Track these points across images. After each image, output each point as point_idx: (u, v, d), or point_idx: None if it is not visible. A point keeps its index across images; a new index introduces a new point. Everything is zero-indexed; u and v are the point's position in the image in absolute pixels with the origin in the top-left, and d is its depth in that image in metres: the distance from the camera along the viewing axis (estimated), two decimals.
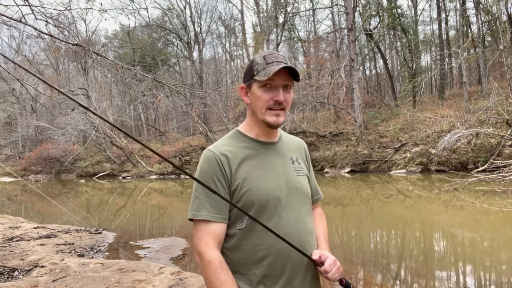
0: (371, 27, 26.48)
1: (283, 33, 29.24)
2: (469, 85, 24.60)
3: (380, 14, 25.09)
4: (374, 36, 26.18)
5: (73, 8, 5.44)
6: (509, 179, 10.59)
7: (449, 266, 5.35)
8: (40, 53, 36.50)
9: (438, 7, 26.30)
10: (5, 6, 4.59)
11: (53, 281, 4.37)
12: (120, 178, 25.92)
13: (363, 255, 6.09)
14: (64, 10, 5.13)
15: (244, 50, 35.84)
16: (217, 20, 38.33)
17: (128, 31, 35.11)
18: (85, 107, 1.14)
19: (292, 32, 30.15)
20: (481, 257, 5.65)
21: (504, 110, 14.30)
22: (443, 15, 26.41)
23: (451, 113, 19.23)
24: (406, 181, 14.49)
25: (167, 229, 9.10)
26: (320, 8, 30.94)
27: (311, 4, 30.84)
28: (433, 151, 15.97)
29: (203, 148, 23.29)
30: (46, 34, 5.15)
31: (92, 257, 6.05)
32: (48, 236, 7.30)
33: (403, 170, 16.81)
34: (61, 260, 5.34)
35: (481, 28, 24.89)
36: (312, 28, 35.76)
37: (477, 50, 23.89)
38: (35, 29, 4.89)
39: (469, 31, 25.47)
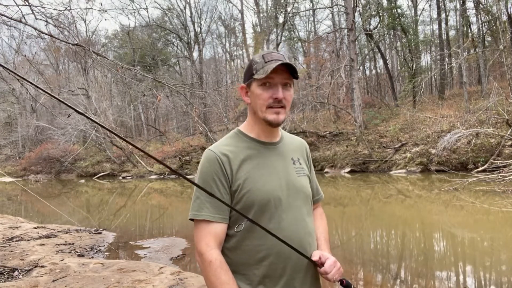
0: (371, 27, 26.48)
1: (283, 33, 29.25)
2: (469, 85, 24.60)
3: (380, 14, 25.09)
4: (374, 36, 26.18)
5: (73, 8, 5.45)
6: (509, 179, 10.59)
7: (449, 266, 5.35)
8: (40, 53, 36.54)
9: (438, 7, 26.30)
10: (5, 6, 4.60)
11: (53, 281, 4.37)
12: (120, 178, 25.91)
13: (363, 255, 6.09)
14: (64, 10, 5.13)
15: (244, 50, 35.84)
16: (217, 20, 38.38)
17: (128, 31, 35.10)
18: (80, 112, 1.13)
19: (292, 32, 30.16)
20: (481, 257, 5.65)
21: (504, 110, 14.30)
22: (443, 15, 26.43)
23: (451, 113, 19.23)
24: (406, 181, 14.49)
25: (167, 229, 9.10)
26: (320, 8, 30.96)
27: (311, 4, 30.86)
28: (433, 151, 15.97)
29: (203, 148, 23.33)
30: (46, 34, 5.16)
31: (92, 257, 6.05)
32: (48, 236, 7.30)
33: (403, 170, 16.81)
34: (61, 260, 5.34)
35: (481, 28, 24.90)
36: (312, 28, 35.80)
37: (477, 50, 23.89)
38: (35, 29, 4.89)
39: (469, 31, 25.47)
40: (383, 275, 5.13)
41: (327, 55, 30.51)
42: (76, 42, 5.38)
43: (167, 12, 35.42)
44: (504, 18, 19.27)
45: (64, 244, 6.76)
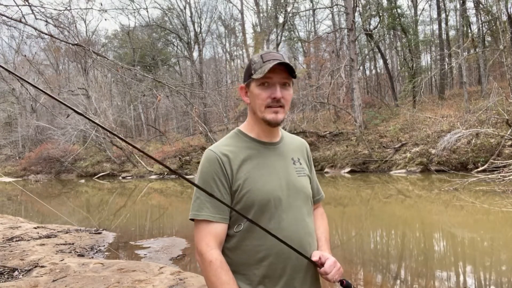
0: (371, 27, 26.48)
1: (283, 33, 29.24)
2: (469, 85, 24.60)
3: (380, 14, 25.09)
4: (374, 36, 26.18)
5: (73, 8, 5.45)
6: (509, 179, 10.59)
7: (449, 266, 5.35)
8: (40, 53, 36.54)
9: (438, 7, 26.31)
10: (5, 6, 4.60)
11: (53, 281, 4.37)
12: (120, 178, 25.92)
13: (363, 255, 6.09)
14: (64, 10, 5.13)
15: (244, 50, 35.85)
16: (217, 20, 38.38)
17: (128, 31, 35.11)
18: (79, 113, 1.13)
19: (292, 32, 30.15)
20: (481, 257, 5.65)
21: (504, 110, 14.30)
22: (443, 15, 26.43)
23: (451, 113, 19.23)
24: (406, 181, 14.49)
25: (167, 229, 9.10)
26: (320, 8, 30.97)
27: (311, 4, 30.86)
28: (433, 151, 15.97)
29: (203, 148, 23.33)
30: (46, 34, 5.16)
31: (92, 257, 6.05)
32: (48, 236, 7.30)
33: (403, 170, 16.81)
34: (61, 260, 5.34)
35: (481, 28, 24.90)
36: (312, 28, 35.80)
37: (477, 50, 23.89)
38: (35, 29, 4.89)
39: (469, 31, 25.47)
40: (383, 275, 5.13)
41: (327, 55, 30.52)
42: (76, 42, 5.38)
43: (167, 12, 35.45)
44: (504, 18, 19.27)
45: (64, 244, 6.76)
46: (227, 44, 40.88)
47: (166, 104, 35.17)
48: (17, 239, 7.04)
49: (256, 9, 31.84)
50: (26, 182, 26.46)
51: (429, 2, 29.71)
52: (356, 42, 23.51)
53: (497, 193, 9.86)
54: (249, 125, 1.43)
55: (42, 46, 32.73)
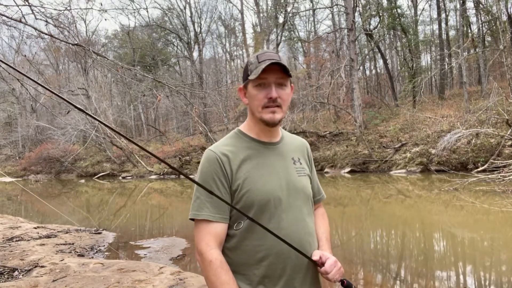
0: (371, 27, 26.48)
1: (283, 33, 29.24)
2: (469, 85, 24.60)
3: (380, 14, 25.09)
4: (374, 36, 26.18)
5: (73, 8, 5.45)
6: (509, 179, 10.59)
7: (449, 266, 5.35)
8: (40, 53, 36.55)
9: (438, 7, 26.31)
10: (5, 6, 4.60)
11: (53, 281, 4.37)
12: (120, 178, 25.92)
13: (363, 255, 6.09)
14: (64, 10, 5.13)
15: (244, 50, 35.85)
16: (217, 20, 38.39)
17: (128, 31, 35.11)
18: (80, 109, 1.13)
19: (292, 32, 30.15)
20: (481, 257, 5.65)
21: (504, 110, 14.30)
22: (443, 15, 26.43)
23: (451, 113, 19.23)
24: (406, 181, 14.49)
25: (167, 229, 9.11)
26: (320, 8, 30.97)
27: (311, 4, 30.86)
28: (433, 151, 15.97)
29: (203, 148, 23.34)
30: (46, 34, 5.16)
31: (92, 257, 6.05)
32: (48, 236, 7.30)
33: (403, 170, 16.81)
34: (61, 260, 5.34)
35: (481, 28, 24.90)
36: (312, 28, 35.81)
37: (477, 50, 23.89)
38: (35, 29, 4.89)
39: (469, 31, 25.47)
40: (383, 275, 5.13)
41: (327, 55, 30.52)
42: (76, 42, 5.38)
43: (167, 12, 35.46)
44: (504, 18, 19.27)
45: (64, 244, 6.76)
46: (227, 44, 40.93)
47: (166, 104, 35.17)
48: (17, 239, 7.04)
49: (256, 9, 31.86)
50: (26, 182, 26.45)
51: (429, 2, 29.75)
52: (356, 42, 23.51)
53: (497, 193, 9.86)
54: (248, 125, 1.43)
55: (42, 46, 32.78)
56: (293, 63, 34.30)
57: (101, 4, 7.06)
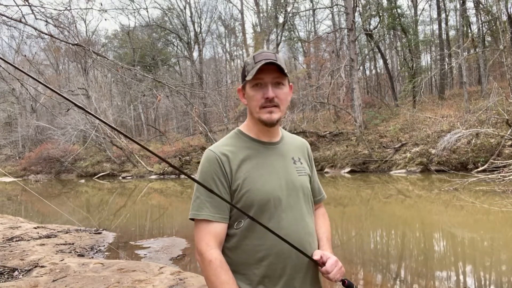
0: (371, 27, 26.48)
1: (283, 33, 29.24)
2: (469, 85, 24.60)
3: (380, 14, 25.09)
4: (374, 36, 26.18)
5: (73, 8, 5.45)
6: (509, 179, 10.59)
7: (449, 266, 5.35)
8: (40, 53, 36.57)
9: (438, 7, 26.31)
10: (5, 6, 4.60)
11: (53, 281, 4.37)
12: (120, 178, 25.92)
13: (363, 255, 6.09)
14: (64, 10, 5.13)
15: (244, 50, 35.85)
16: (217, 20, 38.39)
17: (128, 31, 35.11)
18: (80, 107, 1.13)
19: (292, 32, 30.16)
20: (481, 257, 5.65)
21: (504, 110, 14.30)
22: (443, 15, 26.43)
23: (451, 113, 19.23)
24: (406, 181, 14.49)
25: (167, 229, 9.10)
26: (320, 8, 30.97)
27: (311, 4, 30.86)
28: (433, 151, 15.97)
29: (203, 148, 23.34)
30: (46, 34, 5.16)
31: (92, 257, 6.05)
32: (48, 236, 7.30)
33: (403, 170, 16.81)
34: (61, 260, 5.34)
35: (481, 28, 24.90)
36: (312, 28, 35.80)
37: (477, 50, 23.89)
38: (35, 29, 4.89)
39: (469, 31, 25.47)
40: (383, 275, 5.13)
41: (327, 55, 30.52)
42: (76, 42, 5.38)
43: (167, 12, 35.46)
44: (504, 18, 19.27)
45: (64, 244, 6.76)
46: (227, 44, 40.93)
47: (166, 104, 35.17)
48: (17, 239, 7.04)
49: (256, 9, 31.86)
50: (26, 182, 26.44)
51: (429, 2, 29.75)
52: (356, 42, 23.51)
53: (497, 193, 9.86)
54: (248, 125, 1.43)
55: (42, 46, 32.78)
56: (293, 63, 34.31)
57: (101, 4, 7.07)
